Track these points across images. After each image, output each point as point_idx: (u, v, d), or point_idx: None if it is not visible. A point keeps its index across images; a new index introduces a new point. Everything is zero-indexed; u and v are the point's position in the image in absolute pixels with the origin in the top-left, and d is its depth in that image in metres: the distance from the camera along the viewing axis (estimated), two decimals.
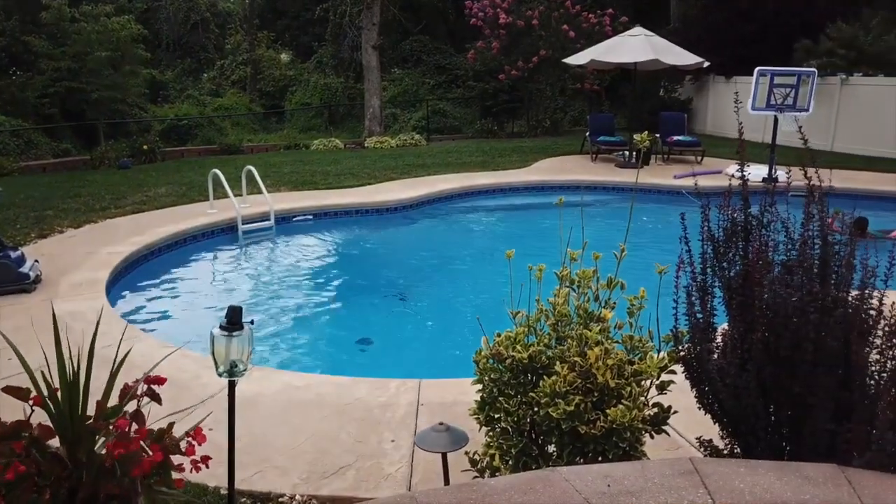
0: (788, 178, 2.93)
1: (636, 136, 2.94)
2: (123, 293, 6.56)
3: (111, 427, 1.54)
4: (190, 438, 1.71)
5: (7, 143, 15.01)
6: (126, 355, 2.29)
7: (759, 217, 2.68)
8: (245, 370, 2.27)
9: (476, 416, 2.82)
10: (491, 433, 2.79)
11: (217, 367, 2.22)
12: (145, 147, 15.67)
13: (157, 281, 7.17)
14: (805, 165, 2.57)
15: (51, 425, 1.61)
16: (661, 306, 2.86)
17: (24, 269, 6.15)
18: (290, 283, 7.28)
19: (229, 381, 2.28)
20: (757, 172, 11.97)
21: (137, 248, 7.51)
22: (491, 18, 19.34)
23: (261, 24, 31.47)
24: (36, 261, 6.45)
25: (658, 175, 12.79)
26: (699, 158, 14.58)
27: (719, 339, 2.73)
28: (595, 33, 19.38)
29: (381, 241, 9.55)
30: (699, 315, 2.68)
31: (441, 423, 2.89)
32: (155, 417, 2.24)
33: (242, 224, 8.95)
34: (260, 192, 9.47)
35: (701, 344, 2.58)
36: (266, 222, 9.25)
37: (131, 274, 7.09)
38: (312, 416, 4.02)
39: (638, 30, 13.72)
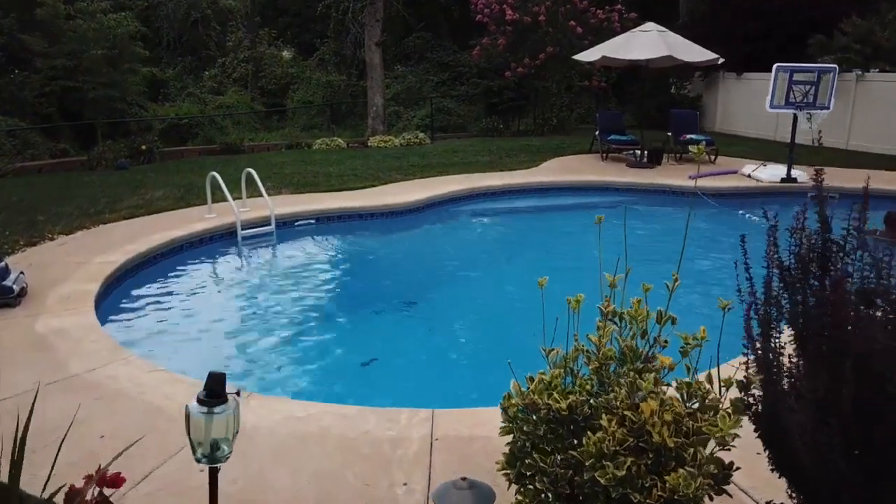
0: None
1: (692, 149, 2.56)
2: (114, 307, 6.15)
3: None
4: None
5: (3, 143, 14.64)
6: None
7: (840, 242, 2.25)
8: (230, 453, 1.86)
9: (505, 472, 2.43)
10: (522, 491, 2.41)
11: (194, 452, 1.79)
12: (143, 147, 15.29)
13: (150, 293, 6.76)
14: None
15: None
16: (709, 338, 2.47)
17: (8, 281, 5.77)
18: (290, 296, 6.87)
19: (210, 468, 1.85)
20: (774, 172, 11.57)
21: (131, 257, 7.12)
22: (497, 14, 18.92)
23: (262, 21, 31.08)
24: (21, 272, 6.07)
25: (672, 175, 12.37)
26: (713, 157, 14.15)
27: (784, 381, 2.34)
28: (603, 30, 18.95)
29: (388, 248, 9.15)
30: (766, 358, 2.28)
31: (463, 479, 2.51)
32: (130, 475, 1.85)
33: (242, 230, 8.56)
34: (260, 194, 9.08)
35: (777, 395, 2.18)
36: (266, 227, 8.86)
37: (123, 285, 6.69)
38: (315, 452, 3.63)
39: (650, 25, 13.28)
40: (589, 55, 14.02)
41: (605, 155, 14.53)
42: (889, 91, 15.64)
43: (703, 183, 11.47)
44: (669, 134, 14.58)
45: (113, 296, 6.34)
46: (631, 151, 14.51)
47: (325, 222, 9.48)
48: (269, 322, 6.08)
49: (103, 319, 5.59)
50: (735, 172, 12.49)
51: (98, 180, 12.24)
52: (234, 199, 9.06)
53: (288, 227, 9.19)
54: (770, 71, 18.48)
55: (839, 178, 12.39)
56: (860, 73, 16.07)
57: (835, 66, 11.18)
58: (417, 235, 9.58)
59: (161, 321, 6.01)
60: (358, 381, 4.97)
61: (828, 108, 11.00)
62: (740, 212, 10.10)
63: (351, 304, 6.86)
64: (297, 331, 5.91)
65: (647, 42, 12.73)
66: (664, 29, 13.36)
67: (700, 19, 20.96)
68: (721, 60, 13.18)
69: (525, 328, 5.59)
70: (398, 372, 5.12)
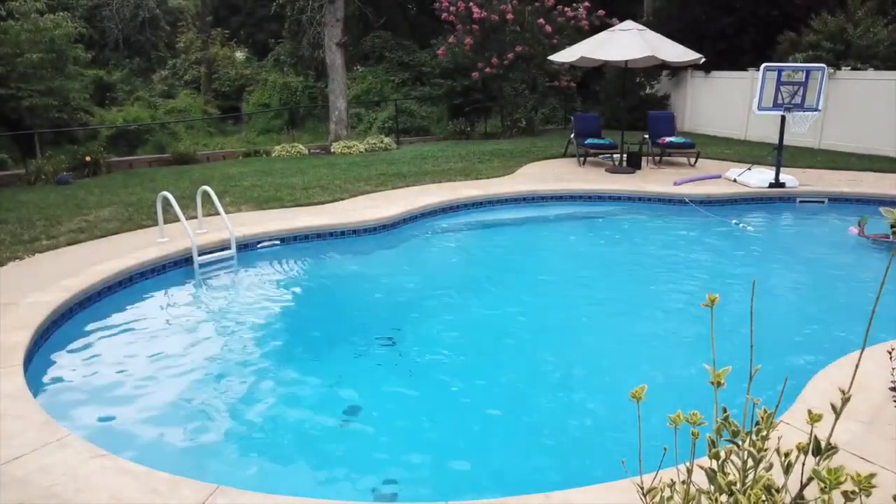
0: None
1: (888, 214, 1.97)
2: (48, 363, 5.14)
3: None
4: None
5: None
6: None
7: None
8: None
9: None
10: None
11: None
12: (88, 158, 14.11)
13: (93, 343, 5.64)
14: None
15: None
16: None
17: None
18: (259, 338, 5.91)
19: None
20: (762, 177, 11.10)
21: (70, 296, 6.15)
22: (463, 13, 18.21)
23: (214, 20, 29.85)
24: None
25: (654, 181, 11.83)
26: (693, 161, 13.69)
27: None
28: (570, 28, 18.45)
29: (362, 271, 8.26)
30: None
31: None
32: None
33: (199, 255, 7.65)
34: (217, 212, 8.18)
35: None
36: (226, 251, 7.96)
37: (60, 331, 5.67)
38: None
39: (629, 24, 12.71)
40: (566, 55, 13.39)
41: (582, 160, 13.94)
42: (861, 89, 15.44)
43: (690, 189, 10.94)
44: (646, 136, 14.07)
45: (47, 347, 5.34)
46: (608, 155, 13.97)
47: (292, 243, 8.61)
48: (240, 374, 5.16)
49: (34, 382, 4.66)
50: (719, 177, 12.02)
51: (36, 198, 11.11)
52: (189, 219, 8.16)
53: (250, 250, 8.30)
54: (738, 69, 18.40)
55: (823, 181, 12.12)
56: (832, 70, 15.81)
57: (823, 65, 10.74)
58: (396, 255, 8.74)
59: (107, 380, 4.98)
60: (338, 452, 4.12)
61: (817, 109, 10.57)
62: (733, 221, 9.57)
63: (325, 343, 5.99)
64: (262, 383, 4.99)
65: (627, 41, 12.15)
66: (643, 27, 12.82)
67: (667, 16, 20.60)
68: (703, 60, 12.70)
69: (537, 376, 4.90)
70: (384, 437, 4.31)
